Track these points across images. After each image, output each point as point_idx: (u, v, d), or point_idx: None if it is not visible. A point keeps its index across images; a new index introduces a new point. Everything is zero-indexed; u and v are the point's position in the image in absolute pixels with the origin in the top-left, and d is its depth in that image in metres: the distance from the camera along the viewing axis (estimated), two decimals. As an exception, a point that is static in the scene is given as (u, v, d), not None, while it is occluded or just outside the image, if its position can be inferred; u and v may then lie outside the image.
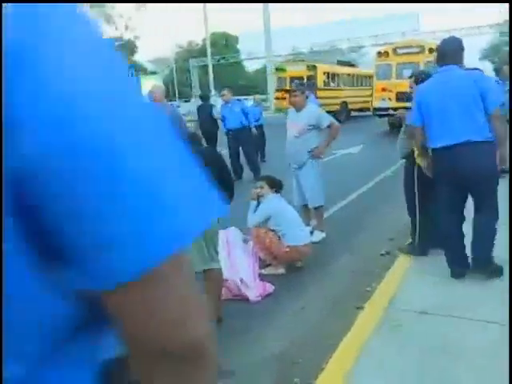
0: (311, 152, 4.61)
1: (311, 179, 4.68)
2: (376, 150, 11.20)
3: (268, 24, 25.04)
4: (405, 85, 15.86)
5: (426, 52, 14.01)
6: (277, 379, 2.58)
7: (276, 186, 4.20)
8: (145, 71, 45.75)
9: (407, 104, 14.27)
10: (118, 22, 30.53)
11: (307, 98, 4.94)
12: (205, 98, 10.06)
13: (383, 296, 3.26)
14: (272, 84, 25.95)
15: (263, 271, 4.00)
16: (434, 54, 13.76)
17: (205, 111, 9.21)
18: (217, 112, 9.14)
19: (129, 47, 41.57)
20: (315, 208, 4.76)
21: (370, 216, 5.64)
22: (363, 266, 4.09)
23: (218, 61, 38.99)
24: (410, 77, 4.11)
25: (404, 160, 4.15)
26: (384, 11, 70.12)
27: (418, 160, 3.73)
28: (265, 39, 25.68)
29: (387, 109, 12.59)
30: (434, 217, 3.66)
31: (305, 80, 15.95)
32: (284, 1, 54.53)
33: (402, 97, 13.87)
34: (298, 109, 4.69)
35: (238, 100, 9.62)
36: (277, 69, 22.09)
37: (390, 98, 13.21)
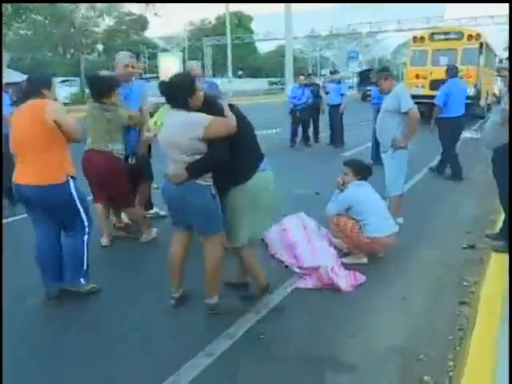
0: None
1: (388, 168, 4.65)
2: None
3: (289, 5, 24.48)
4: (441, 72, 15.53)
5: (465, 39, 13.68)
6: (403, 376, 2.45)
7: (361, 172, 4.00)
8: (155, 48, 45.03)
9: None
10: None
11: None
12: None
13: (490, 292, 3.10)
14: (290, 67, 25.53)
15: (344, 260, 3.85)
16: (474, 41, 13.40)
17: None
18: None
19: (140, 23, 40.69)
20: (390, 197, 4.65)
21: (438, 205, 5.53)
22: (448, 259, 3.95)
23: (233, 40, 38.24)
24: None
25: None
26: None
27: None
28: (285, 20, 25.06)
29: (420, 97, 12.27)
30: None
31: None
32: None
33: (437, 85, 13.61)
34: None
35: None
36: None
37: (423, 86, 12.92)
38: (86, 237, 3.29)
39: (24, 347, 2.75)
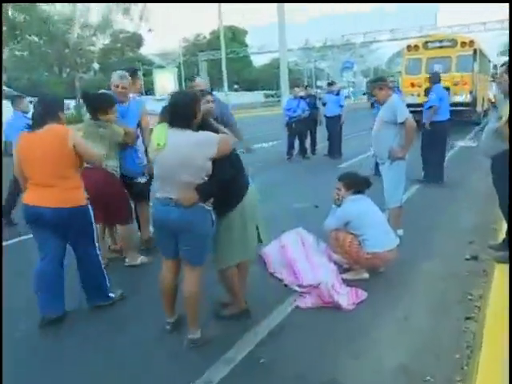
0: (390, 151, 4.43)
1: (386, 179, 4.58)
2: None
3: (282, 17, 24.66)
4: None
5: (459, 46, 13.72)
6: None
7: (354, 186, 3.92)
8: (151, 65, 45.31)
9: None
10: (134, 13, 29.89)
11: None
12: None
13: (496, 306, 3.00)
14: (286, 78, 25.65)
15: (344, 276, 3.75)
16: (467, 47, 13.42)
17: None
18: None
19: (135, 40, 40.97)
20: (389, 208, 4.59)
21: (438, 215, 5.46)
22: (451, 271, 3.85)
23: (227, 54, 38.47)
24: None
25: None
26: (398, 4, 68.87)
27: None
28: (278, 33, 25.17)
29: (416, 105, 12.26)
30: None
31: None
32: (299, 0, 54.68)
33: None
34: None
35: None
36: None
37: (418, 94, 12.90)
38: (100, 256, 3.40)
39: (24, 361, 2.68)
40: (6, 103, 8.73)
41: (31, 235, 3.31)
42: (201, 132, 2.63)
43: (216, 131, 2.71)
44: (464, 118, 14.08)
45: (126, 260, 4.27)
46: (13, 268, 4.07)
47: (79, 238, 3.26)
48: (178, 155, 2.56)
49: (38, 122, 3.13)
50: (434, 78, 7.47)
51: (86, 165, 3.89)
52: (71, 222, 3.14)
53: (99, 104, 3.91)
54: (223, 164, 2.64)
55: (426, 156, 7.31)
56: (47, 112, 3.15)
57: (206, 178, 2.62)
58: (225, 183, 2.69)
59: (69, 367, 2.73)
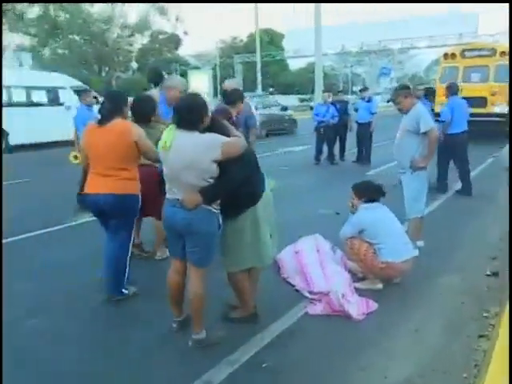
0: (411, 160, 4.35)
1: (407, 189, 4.50)
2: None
3: (318, 21, 24.58)
4: (472, 89, 14.78)
5: (498, 55, 13.26)
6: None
7: (366, 194, 3.88)
8: (187, 66, 45.97)
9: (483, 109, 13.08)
10: (170, 14, 30.53)
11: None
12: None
13: (507, 324, 2.89)
14: (320, 83, 25.51)
15: (358, 285, 3.71)
16: (507, 57, 12.75)
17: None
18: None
19: (174, 41, 41.68)
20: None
21: (463, 228, 5.31)
22: (470, 286, 3.74)
23: (263, 58, 38.59)
24: None
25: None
26: (439, 12, 67.39)
27: None
28: (315, 37, 25.12)
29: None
30: None
31: None
32: (335, 1, 54.54)
33: (468, 103, 13.07)
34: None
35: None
36: None
37: (453, 103, 12.53)
38: (131, 246, 3.55)
39: (28, 361, 2.77)
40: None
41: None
42: (207, 134, 2.65)
43: (227, 133, 2.72)
44: (502, 129, 13.54)
45: (158, 254, 4.40)
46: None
47: (120, 224, 3.44)
48: (183, 157, 2.59)
49: (106, 117, 3.34)
50: (452, 89, 7.09)
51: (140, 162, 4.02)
52: (126, 207, 3.38)
53: (152, 106, 4.06)
54: (232, 167, 2.64)
55: (440, 166, 7.20)
56: (114, 107, 3.36)
57: (212, 181, 2.64)
58: (236, 186, 2.70)
59: (74, 358, 2.81)
